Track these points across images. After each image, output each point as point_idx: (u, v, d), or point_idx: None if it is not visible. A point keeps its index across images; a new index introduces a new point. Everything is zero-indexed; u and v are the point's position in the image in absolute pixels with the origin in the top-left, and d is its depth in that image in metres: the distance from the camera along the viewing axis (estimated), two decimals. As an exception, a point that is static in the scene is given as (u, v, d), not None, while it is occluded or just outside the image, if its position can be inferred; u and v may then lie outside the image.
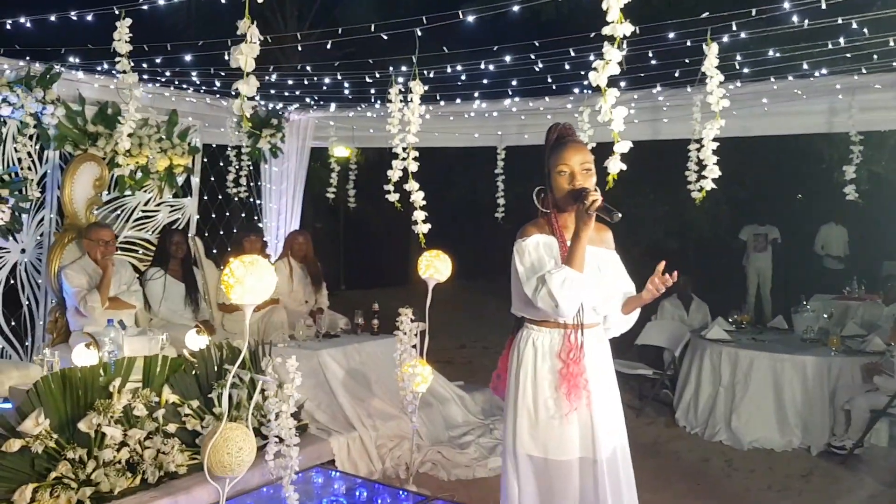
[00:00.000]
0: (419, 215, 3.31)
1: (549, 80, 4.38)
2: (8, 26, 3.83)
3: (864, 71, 4.24)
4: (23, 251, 5.12)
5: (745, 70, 4.17)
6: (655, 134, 5.43)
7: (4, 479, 3.21)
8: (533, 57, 3.77)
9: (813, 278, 9.30)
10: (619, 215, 2.34)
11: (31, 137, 5.00)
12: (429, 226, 3.33)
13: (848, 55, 3.95)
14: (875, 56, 3.85)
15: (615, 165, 2.68)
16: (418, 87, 3.14)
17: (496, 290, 12.96)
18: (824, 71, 4.31)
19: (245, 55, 2.21)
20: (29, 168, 4.99)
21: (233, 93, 2.31)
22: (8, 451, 3.19)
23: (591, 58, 2.83)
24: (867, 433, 5.00)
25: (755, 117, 5.04)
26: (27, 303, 5.20)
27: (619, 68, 2.48)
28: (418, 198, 3.30)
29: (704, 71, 3.16)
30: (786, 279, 10.09)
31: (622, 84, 4.46)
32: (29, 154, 5.05)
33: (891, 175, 7.70)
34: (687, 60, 3.89)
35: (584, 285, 2.37)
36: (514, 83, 4.65)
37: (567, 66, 3.89)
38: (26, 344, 5.19)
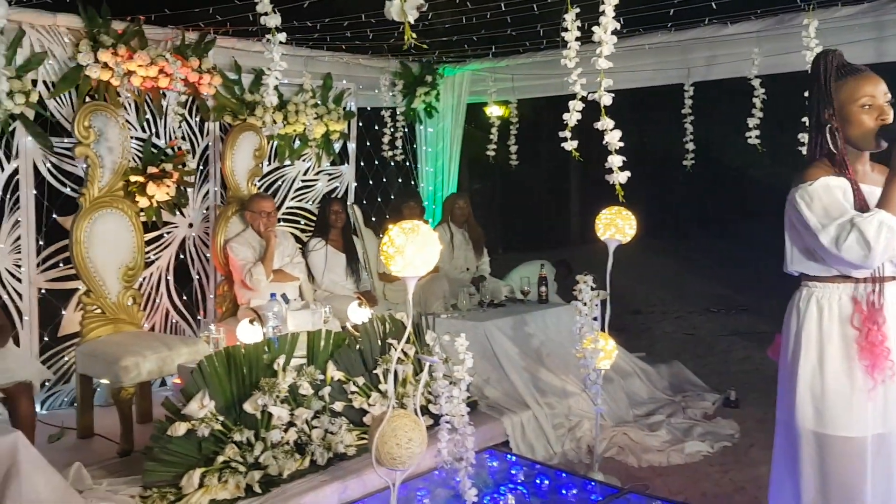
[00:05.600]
0: (615, 161, 2.73)
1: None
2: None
3: None
4: (190, 225, 5.13)
5: None
6: (881, 55, 4.45)
7: (172, 463, 3.11)
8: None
9: None
10: None
11: (189, 110, 4.96)
12: (627, 173, 2.76)
13: None
14: None
15: None
16: (612, -4, 2.54)
17: (672, 249, 12.01)
18: None
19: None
20: (184, 138, 4.95)
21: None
22: (174, 436, 3.08)
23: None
24: None
25: None
26: (197, 277, 5.23)
27: None
28: (613, 139, 2.72)
29: None
30: None
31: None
32: (189, 126, 5.02)
33: None
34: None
35: None
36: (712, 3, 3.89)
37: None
38: (199, 318, 5.23)
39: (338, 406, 3.69)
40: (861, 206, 2.07)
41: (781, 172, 2.26)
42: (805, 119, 3.58)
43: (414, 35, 1.99)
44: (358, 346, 3.92)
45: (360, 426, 3.72)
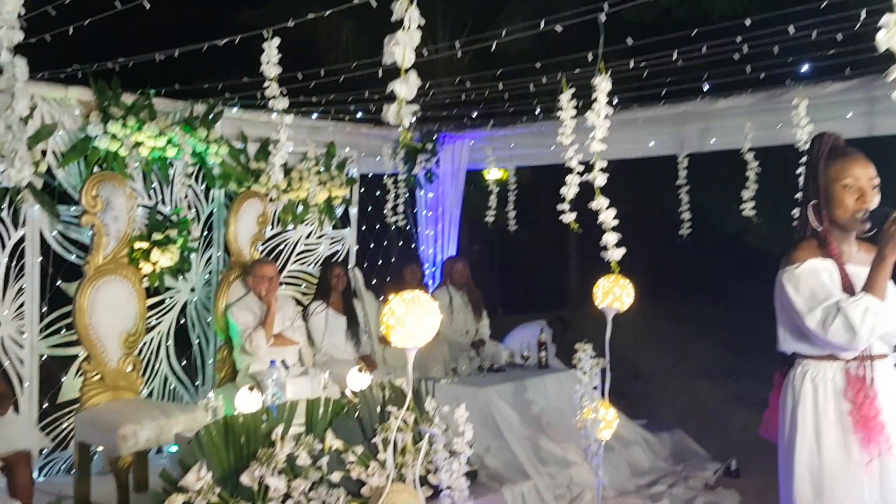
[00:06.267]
0: (611, 238, 2.80)
1: (750, 71, 3.72)
2: (159, 58, 3.80)
3: None
4: (192, 290, 5.17)
5: None
6: (871, 129, 4.55)
7: (168, 537, 3.06)
8: (739, 40, 3.17)
9: None
10: None
11: (196, 178, 5.06)
12: (623, 250, 2.82)
13: None
14: None
15: None
16: (605, 84, 2.65)
17: (674, 314, 12.00)
18: None
19: (402, 45, 1.82)
20: (190, 207, 5.04)
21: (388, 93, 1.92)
22: (171, 508, 3.04)
23: (814, 35, 2.23)
24: None
25: None
26: (197, 341, 5.24)
27: None
28: (608, 218, 2.79)
29: None
30: None
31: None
32: (195, 193, 5.11)
33: None
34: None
35: (887, 315, 2.06)
36: (705, 78, 4.04)
37: (776, 50, 3.25)
38: (196, 384, 5.22)
39: (335, 476, 3.64)
40: (847, 287, 2.11)
41: (779, 239, 2.32)
42: (797, 195, 3.67)
43: (409, 136, 2.06)
44: (357, 414, 3.90)
45: (358, 497, 3.67)
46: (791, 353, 2.27)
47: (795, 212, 4.15)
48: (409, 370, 2.59)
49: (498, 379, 5.01)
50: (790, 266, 2.17)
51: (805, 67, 3.98)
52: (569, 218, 3.00)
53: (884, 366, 2.17)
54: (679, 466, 4.92)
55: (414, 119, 1.94)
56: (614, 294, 3.84)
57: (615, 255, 2.86)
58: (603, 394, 3.84)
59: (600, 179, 2.81)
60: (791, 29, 3.24)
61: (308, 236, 5.93)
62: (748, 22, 3.16)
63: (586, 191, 3.10)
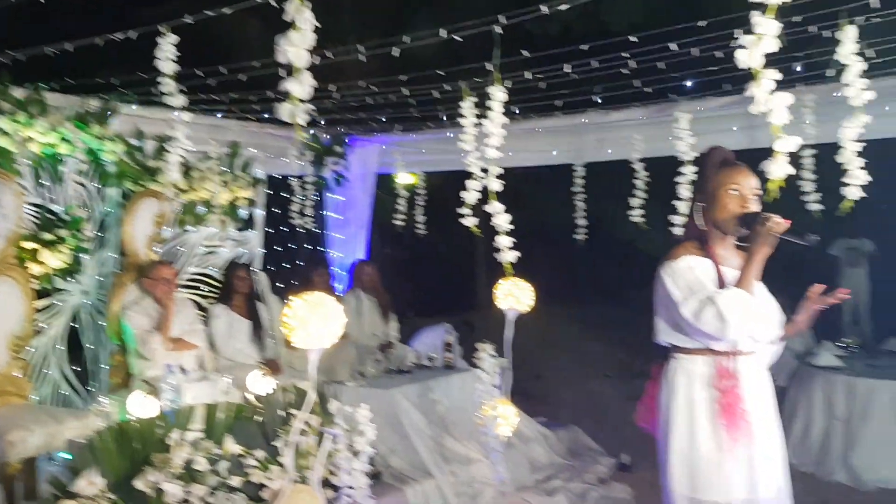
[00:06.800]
0: (504, 241, 2.91)
1: (638, 84, 3.94)
2: (51, 52, 3.66)
3: None
4: (86, 293, 4.96)
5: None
6: (752, 142, 4.90)
7: (56, 546, 2.95)
8: (626, 55, 3.37)
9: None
10: (815, 237, 2.19)
11: (89, 175, 4.87)
12: (516, 253, 2.94)
13: None
14: None
15: (779, 169, 2.27)
16: (500, 94, 2.76)
17: (574, 316, 12.44)
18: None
19: (296, 46, 1.85)
20: (83, 206, 4.85)
21: (282, 94, 1.95)
22: (59, 516, 2.94)
23: (695, 52, 2.41)
24: None
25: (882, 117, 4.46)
26: (91, 346, 5.04)
27: (775, 44, 2.05)
28: (503, 222, 2.91)
29: (839, 59, 2.68)
30: (885, 296, 9.24)
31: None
32: (88, 192, 4.92)
33: None
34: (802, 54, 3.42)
35: (755, 310, 2.24)
36: (597, 90, 4.25)
37: (661, 65, 3.47)
38: (89, 389, 5.01)
39: (235, 481, 3.60)
40: (721, 285, 2.30)
41: (668, 245, 2.50)
42: (676, 201, 3.93)
43: (305, 135, 2.10)
44: (259, 418, 3.87)
45: (258, 501, 3.64)
46: (666, 344, 2.44)
47: (673, 219, 4.46)
48: (311, 371, 2.61)
49: (404, 380, 5.06)
50: (669, 261, 2.36)
51: (689, 83, 4.26)
52: (470, 222, 3.11)
53: (749, 361, 2.36)
54: (575, 461, 5.11)
55: (308, 118, 1.98)
56: (514, 296, 3.99)
57: (508, 257, 2.98)
58: (504, 392, 3.96)
59: (496, 185, 2.92)
60: (674, 46, 3.48)
61: (210, 238, 5.79)
62: (635, 38, 3.36)
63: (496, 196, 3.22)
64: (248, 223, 6.10)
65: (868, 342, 7.18)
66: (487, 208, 2.95)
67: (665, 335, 2.44)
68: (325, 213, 7.02)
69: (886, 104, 4.27)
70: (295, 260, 6.93)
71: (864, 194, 2.79)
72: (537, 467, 4.95)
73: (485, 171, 3.19)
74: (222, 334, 5.16)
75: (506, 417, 3.91)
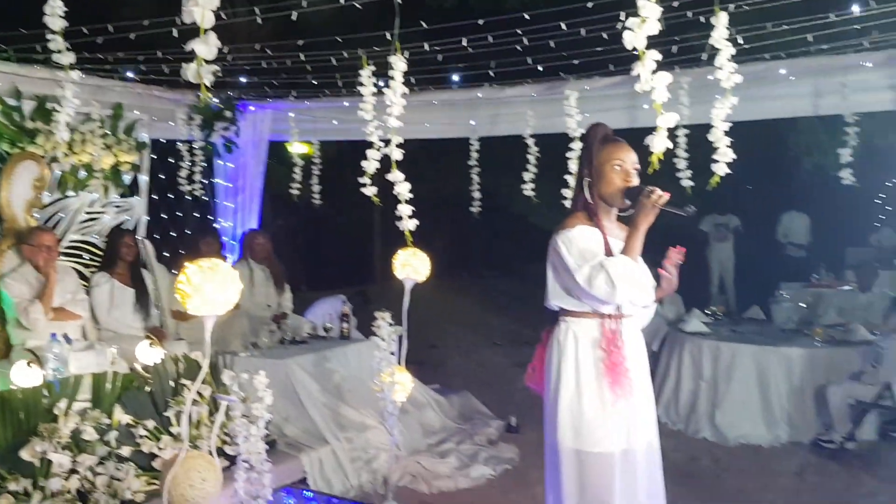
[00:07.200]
0: (405, 210, 2.99)
1: (531, 62, 4.08)
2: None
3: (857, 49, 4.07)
4: (-45, 260, 4.64)
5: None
6: (633, 121, 5.20)
7: (-68, 522, 2.82)
8: (520, 32, 3.48)
9: (775, 267, 9.27)
10: (693, 209, 2.37)
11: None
12: (416, 222, 3.02)
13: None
14: (875, 32, 3.68)
15: (660, 143, 2.45)
16: (401, 63, 2.81)
17: (469, 288, 12.76)
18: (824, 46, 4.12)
19: (202, 6, 1.84)
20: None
21: (187, 51, 1.92)
22: (-64, 490, 2.81)
23: (582, 33, 2.56)
24: (857, 426, 4.87)
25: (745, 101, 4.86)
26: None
27: (658, 27, 2.21)
28: (403, 190, 2.98)
29: (713, 44, 2.91)
30: (749, 269, 10.05)
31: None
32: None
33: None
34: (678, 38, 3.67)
35: (639, 277, 2.42)
36: (492, 66, 4.36)
37: (552, 44, 3.62)
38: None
39: (125, 451, 3.54)
40: (607, 252, 2.48)
41: (558, 219, 2.65)
42: (567, 176, 4.13)
43: (210, 95, 2.09)
44: (148, 388, 3.80)
45: (150, 471, 3.60)
46: (557, 308, 2.60)
47: (565, 192, 4.69)
48: (206, 337, 2.58)
49: (299, 351, 5.06)
50: (564, 229, 2.51)
51: (576, 62, 4.45)
52: (370, 191, 3.16)
53: (630, 324, 2.57)
54: (466, 425, 5.32)
55: (213, 79, 1.97)
56: (412, 266, 4.07)
57: (409, 225, 3.06)
58: (399, 359, 4.06)
59: (397, 154, 2.99)
60: (563, 25, 3.64)
61: (92, 204, 5.52)
62: (527, 16, 3.48)
63: (389, 167, 3.28)
64: (132, 189, 5.86)
65: (732, 310, 7.80)
66: (389, 177, 3.01)
67: (556, 299, 2.59)
68: (214, 180, 6.82)
69: (751, 87, 4.66)
70: (182, 228, 6.71)
71: (729, 171, 3.06)
72: (430, 432, 5.11)
73: (385, 141, 3.24)
74: (104, 303, 4.96)
75: (402, 384, 4.01)
